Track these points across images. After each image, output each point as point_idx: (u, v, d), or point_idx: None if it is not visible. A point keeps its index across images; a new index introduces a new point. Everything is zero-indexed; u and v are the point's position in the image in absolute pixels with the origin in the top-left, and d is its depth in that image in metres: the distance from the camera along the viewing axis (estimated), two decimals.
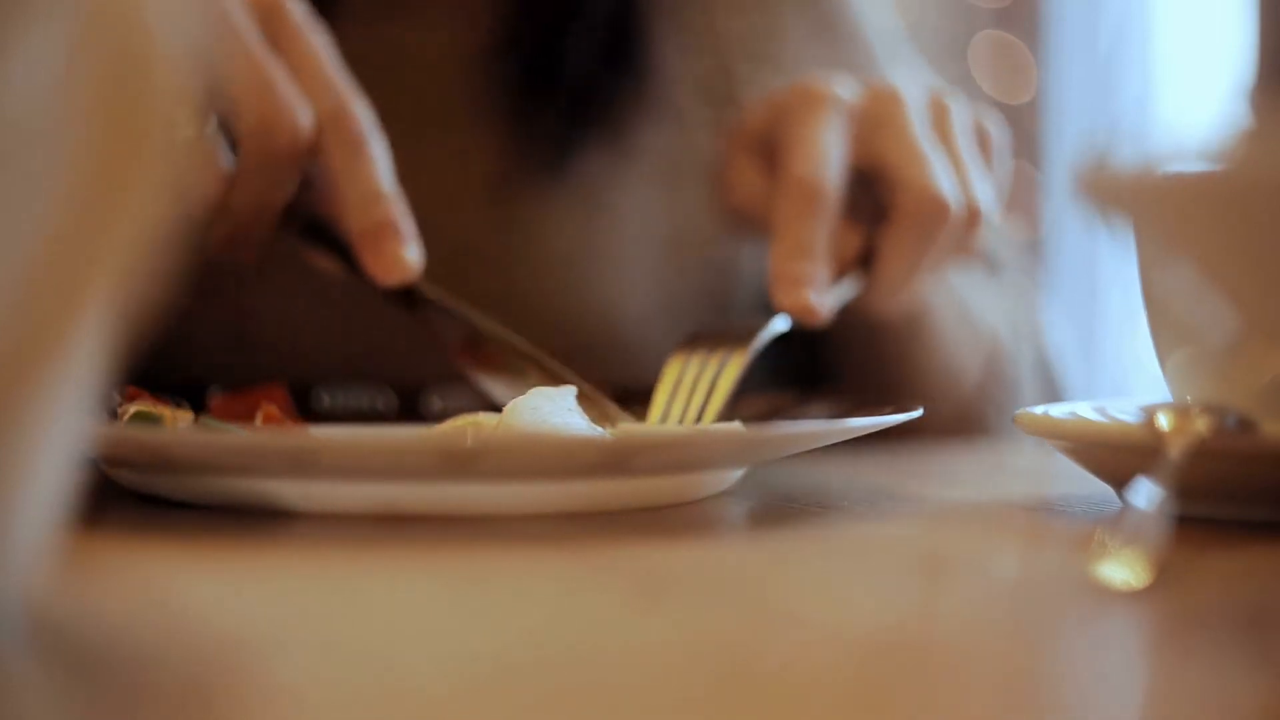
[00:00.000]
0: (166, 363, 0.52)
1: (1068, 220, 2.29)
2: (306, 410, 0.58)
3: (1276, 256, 0.40)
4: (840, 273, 0.62)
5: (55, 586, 0.32)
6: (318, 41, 0.56)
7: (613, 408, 0.54)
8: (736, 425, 0.51)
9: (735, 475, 0.51)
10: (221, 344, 0.67)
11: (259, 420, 0.52)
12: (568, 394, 0.49)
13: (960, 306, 0.73)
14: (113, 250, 0.27)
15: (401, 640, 0.31)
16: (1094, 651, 0.31)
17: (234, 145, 0.54)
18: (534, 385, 0.51)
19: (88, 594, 0.34)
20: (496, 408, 0.52)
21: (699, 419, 0.54)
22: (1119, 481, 0.47)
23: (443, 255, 0.59)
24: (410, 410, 0.60)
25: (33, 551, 0.29)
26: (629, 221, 0.72)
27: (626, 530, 0.44)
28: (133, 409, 0.50)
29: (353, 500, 0.44)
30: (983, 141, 0.66)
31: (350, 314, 0.67)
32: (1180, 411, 0.43)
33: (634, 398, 0.55)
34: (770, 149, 0.64)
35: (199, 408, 0.53)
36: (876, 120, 0.63)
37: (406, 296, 0.57)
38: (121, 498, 0.47)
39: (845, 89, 0.63)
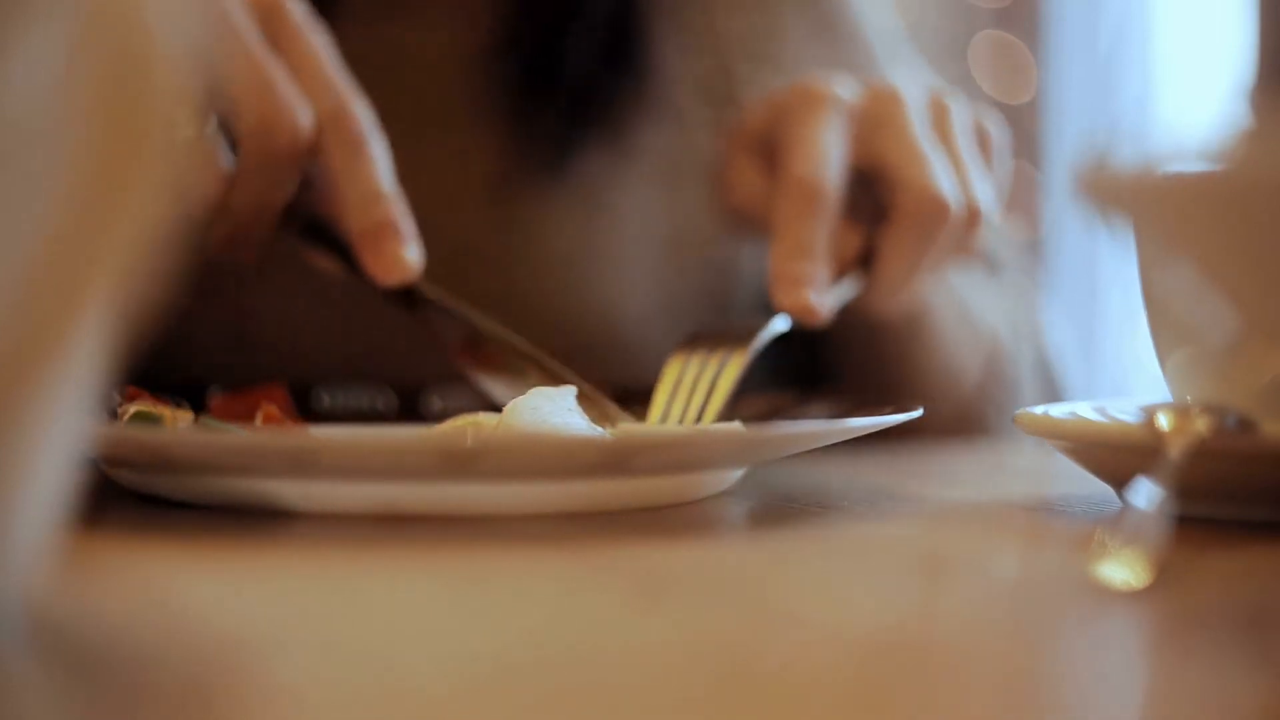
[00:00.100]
0: (166, 363, 0.52)
1: (1068, 220, 2.29)
2: (306, 410, 0.58)
3: (1276, 256, 0.40)
4: (840, 273, 0.62)
5: (55, 586, 0.32)
6: (318, 41, 0.56)
7: (613, 408, 0.54)
8: (736, 425, 0.51)
9: (735, 475, 0.51)
10: (221, 344, 0.67)
11: (259, 420, 0.52)
12: (568, 394, 0.49)
13: (960, 306, 0.73)
14: (113, 250, 0.27)
15: (401, 640, 0.31)
16: (1094, 651, 0.31)
17: (234, 145, 0.54)
18: (534, 385, 0.51)
19: (88, 594, 0.34)
20: (496, 408, 0.52)
21: (699, 419, 0.54)
22: (1119, 481, 0.47)
23: (443, 255, 0.59)
24: (410, 410, 0.60)
25: (33, 551, 0.29)
26: (629, 221, 0.72)
27: (626, 530, 0.44)
28: (133, 409, 0.50)
29: (353, 500, 0.44)
30: (983, 141, 0.66)
31: (350, 314, 0.67)
32: (1180, 411, 0.43)
33: (634, 398, 0.55)
34: (770, 149, 0.64)
35: (199, 408, 0.53)
36: (876, 120, 0.63)
37: (406, 296, 0.57)
38: (121, 498, 0.47)
39: (845, 89, 0.63)
